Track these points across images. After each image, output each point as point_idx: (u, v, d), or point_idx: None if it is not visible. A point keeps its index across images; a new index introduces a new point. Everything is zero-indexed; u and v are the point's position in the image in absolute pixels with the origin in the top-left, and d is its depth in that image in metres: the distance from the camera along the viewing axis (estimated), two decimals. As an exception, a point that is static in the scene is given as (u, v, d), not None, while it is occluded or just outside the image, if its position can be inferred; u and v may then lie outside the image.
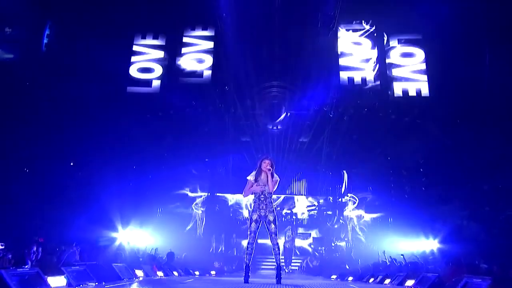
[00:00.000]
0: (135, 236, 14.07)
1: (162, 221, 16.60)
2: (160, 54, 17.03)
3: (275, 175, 6.42)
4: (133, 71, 16.84)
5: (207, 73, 16.71)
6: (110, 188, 14.80)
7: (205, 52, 17.02)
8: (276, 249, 6.33)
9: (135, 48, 17.08)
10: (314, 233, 17.60)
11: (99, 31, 15.39)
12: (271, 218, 6.32)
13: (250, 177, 6.40)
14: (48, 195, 14.12)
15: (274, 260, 6.43)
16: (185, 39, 17.25)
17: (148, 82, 16.66)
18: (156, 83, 16.65)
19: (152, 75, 16.82)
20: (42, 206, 13.41)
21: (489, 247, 11.74)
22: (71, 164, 16.55)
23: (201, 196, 18.26)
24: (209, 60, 16.93)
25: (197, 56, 17.05)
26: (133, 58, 16.92)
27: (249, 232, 6.37)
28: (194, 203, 18.06)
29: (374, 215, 17.08)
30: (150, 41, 17.25)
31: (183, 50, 17.19)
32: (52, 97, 15.46)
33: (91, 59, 15.71)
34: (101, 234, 11.83)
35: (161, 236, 15.38)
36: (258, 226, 6.39)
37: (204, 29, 17.25)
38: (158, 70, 16.89)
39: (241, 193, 17.86)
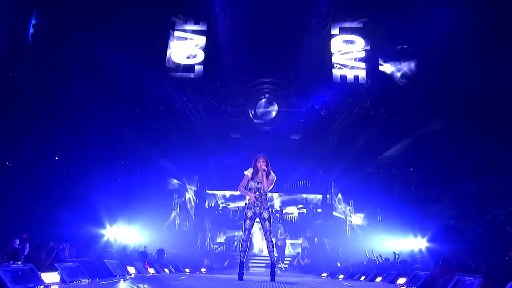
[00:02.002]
0: (123, 233, 13.91)
1: (150, 218, 16.44)
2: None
3: (271, 173, 6.38)
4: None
5: (199, 68, 16.55)
6: (98, 184, 14.58)
7: (196, 47, 16.85)
8: (271, 246, 6.32)
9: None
10: (303, 231, 17.66)
11: (88, 23, 15.05)
12: (265, 215, 6.30)
13: (247, 172, 6.35)
14: (32, 190, 13.77)
15: (266, 257, 6.42)
16: (176, 33, 17.03)
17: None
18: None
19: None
20: (27, 201, 13.09)
21: (476, 246, 11.97)
22: (56, 158, 16.19)
23: (190, 193, 18.13)
24: (200, 55, 16.77)
25: (189, 50, 16.87)
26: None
27: (243, 229, 6.34)
28: (183, 200, 17.93)
29: (364, 214, 17.23)
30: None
31: (175, 44, 16.98)
32: (38, 90, 15.04)
33: (79, 52, 15.40)
34: (89, 231, 11.64)
35: (149, 233, 15.25)
36: (253, 223, 6.36)
37: (196, 23, 17.07)
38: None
39: (232, 190, 17.93)
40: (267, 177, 6.26)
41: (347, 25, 16.94)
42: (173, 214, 17.58)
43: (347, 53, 16.74)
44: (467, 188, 15.45)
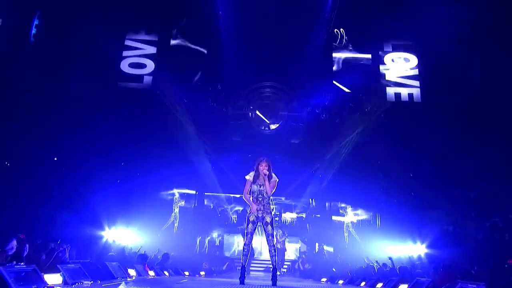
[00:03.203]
0: (121, 235, 13.89)
1: (149, 220, 16.42)
2: (153, 49, 16.78)
3: (273, 175, 6.35)
4: (125, 66, 16.53)
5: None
6: (97, 185, 14.52)
7: (198, 49, 16.85)
8: (273, 250, 6.28)
9: (127, 42, 16.78)
10: (302, 236, 17.63)
11: (91, 23, 15.03)
12: (268, 219, 6.27)
13: (249, 177, 6.31)
14: (30, 190, 13.70)
15: (266, 261, 6.39)
16: (177, 34, 17.02)
17: (139, 78, 16.38)
18: (147, 79, 16.38)
19: (144, 71, 16.55)
20: (25, 202, 13.02)
21: (475, 253, 11.97)
22: (55, 159, 16.13)
23: (189, 196, 18.11)
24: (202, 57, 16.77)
25: (190, 52, 16.85)
26: (125, 53, 16.61)
27: (245, 233, 6.31)
28: (182, 203, 17.90)
29: (363, 219, 17.23)
30: (142, 36, 16.97)
31: (175, 45, 16.97)
32: (38, 90, 15.00)
33: (81, 52, 15.38)
34: (88, 232, 11.60)
35: (147, 235, 15.23)
36: (255, 227, 6.32)
37: (198, 25, 17.06)
38: (150, 66, 16.63)
39: (231, 193, 17.80)
40: (268, 180, 6.23)
41: (349, 29, 16.94)
42: (172, 216, 17.53)
43: (349, 58, 16.74)
44: (466, 194, 15.49)
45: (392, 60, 16.66)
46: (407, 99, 15.95)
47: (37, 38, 15.37)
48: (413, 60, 16.49)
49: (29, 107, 14.49)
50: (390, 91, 16.25)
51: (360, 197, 17.19)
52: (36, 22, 15.56)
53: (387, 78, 16.44)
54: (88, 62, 15.19)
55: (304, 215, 18.04)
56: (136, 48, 16.78)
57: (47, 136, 14.65)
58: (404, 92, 16.16)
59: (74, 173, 15.12)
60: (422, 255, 13.21)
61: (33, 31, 15.51)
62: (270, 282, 6.17)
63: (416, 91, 16.02)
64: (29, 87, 14.57)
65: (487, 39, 13.81)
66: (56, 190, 14.46)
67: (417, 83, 16.12)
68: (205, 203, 18.28)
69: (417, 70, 16.28)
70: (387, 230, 15.37)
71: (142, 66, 16.59)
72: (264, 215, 6.24)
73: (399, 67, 16.51)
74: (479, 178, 14.76)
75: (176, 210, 17.78)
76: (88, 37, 15.00)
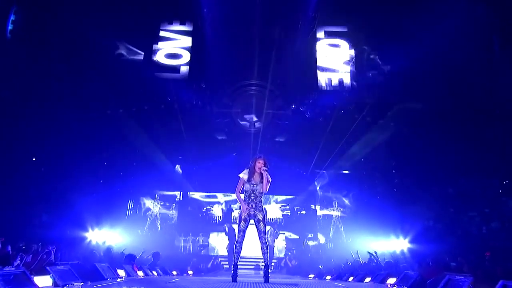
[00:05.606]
0: (105, 236, 13.67)
1: (132, 221, 16.23)
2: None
3: (267, 175, 6.35)
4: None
5: (184, 69, 16.35)
6: (79, 186, 14.23)
7: (182, 47, 16.65)
8: (265, 248, 6.29)
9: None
10: (287, 233, 17.73)
11: (69, 20, 14.61)
12: (260, 217, 6.27)
13: (243, 175, 6.29)
14: (10, 191, 13.25)
15: (254, 259, 6.38)
16: (162, 33, 16.78)
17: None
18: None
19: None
20: (4, 204, 12.59)
21: (455, 246, 12.35)
22: (33, 159, 15.67)
23: (173, 195, 17.95)
24: (186, 55, 16.58)
25: (174, 51, 16.63)
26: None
27: (238, 231, 6.30)
28: (166, 202, 17.73)
29: (346, 215, 17.47)
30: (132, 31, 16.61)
31: (160, 44, 16.72)
32: (17, 88, 14.48)
33: (60, 50, 14.93)
34: (71, 234, 11.37)
35: (131, 236, 15.05)
36: (247, 225, 6.31)
37: (182, 23, 16.86)
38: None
39: (215, 192, 17.64)
40: (262, 179, 6.24)
41: (332, 29, 17.02)
42: (155, 216, 17.35)
43: (333, 57, 16.83)
44: (445, 190, 15.95)
45: (376, 59, 16.83)
46: (391, 98, 16.04)
47: (13, 35, 14.82)
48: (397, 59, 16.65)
49: (9, 107, 13.98)
50: (373, 89, 16.29)
51: (345, 194, 17.46)
52: (12, 17, 15.01)
53: (371, 76, 16.60)
54: (69, 59, 14.75)
55: (289, 212, 18.15)
56: (128, 44, 16.45)
57: (26, 136, 14.20)
58: (387, 91, 16.27)
59: (55, 174, 14.73)
60: (405, 250, 13.50)
61: (10, 27, 14.96)
62: (262, 280, 6.18)
63: (400, 90, 16.10)
64: (6, 85, 14.03)
65: (473, 37, 14.16)
66: (36, 192, 14.06)
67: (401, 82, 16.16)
68: (189, 202, 18.14)
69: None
70: (370, 226, 15.63)
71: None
72: (256, 213, 6.24)
73: (383, 66, 16.66)
74: (457, 174, 15.23)
75: (160, 210, 17.60)
76: (67, 34, 14.57)
